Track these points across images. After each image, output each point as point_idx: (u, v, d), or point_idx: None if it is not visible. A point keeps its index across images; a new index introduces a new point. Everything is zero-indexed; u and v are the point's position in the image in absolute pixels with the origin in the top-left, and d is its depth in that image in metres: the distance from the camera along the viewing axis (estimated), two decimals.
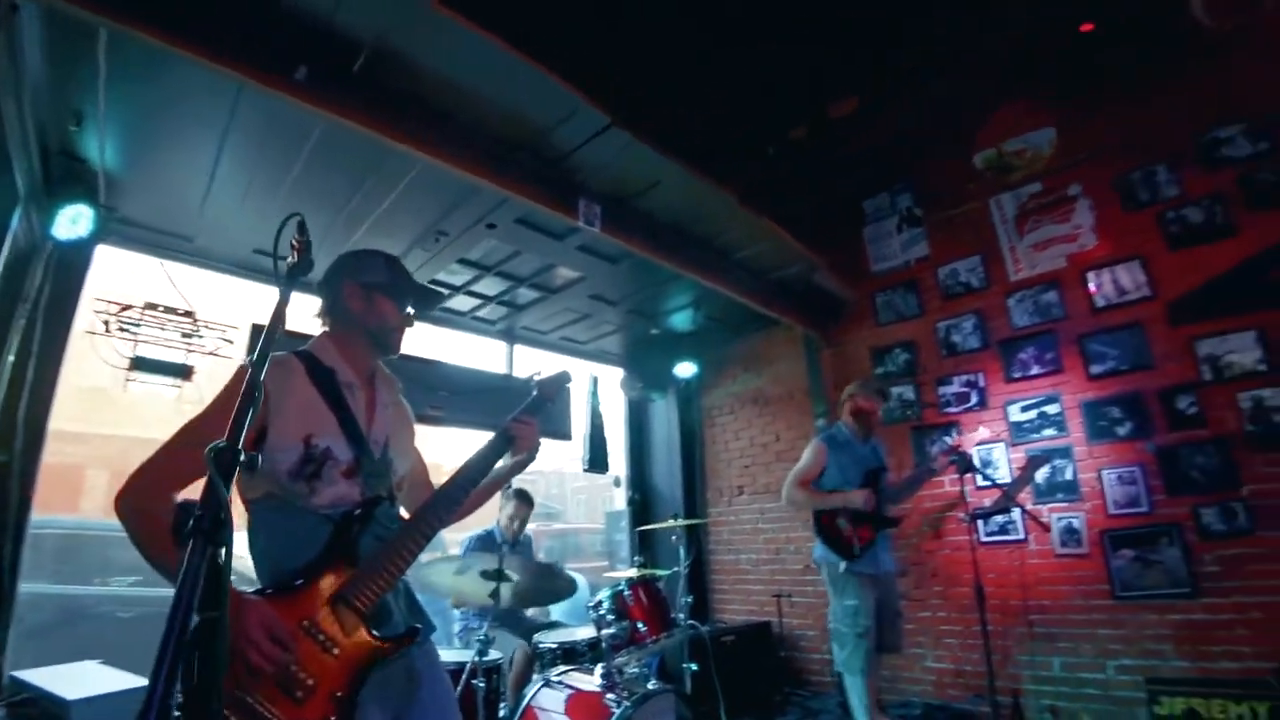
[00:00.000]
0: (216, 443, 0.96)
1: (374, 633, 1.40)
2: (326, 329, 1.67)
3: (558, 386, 1.94)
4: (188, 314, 3.49)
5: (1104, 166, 4.26)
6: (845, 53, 4.56)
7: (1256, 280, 3.65)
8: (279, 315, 1.18)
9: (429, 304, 1.79)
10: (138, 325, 3.33)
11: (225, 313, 3.69)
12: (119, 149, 2.89)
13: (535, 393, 1.87)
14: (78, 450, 12.61)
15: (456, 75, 2.65)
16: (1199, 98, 3.95)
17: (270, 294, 4.03)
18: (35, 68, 2.32)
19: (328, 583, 1.39)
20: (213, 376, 3.57)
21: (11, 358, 2.86)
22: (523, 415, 1.77)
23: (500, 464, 1.76)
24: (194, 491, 1.30)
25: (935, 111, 5.01)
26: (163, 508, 1.29)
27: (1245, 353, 3.64)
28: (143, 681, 2.33)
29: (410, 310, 1.69)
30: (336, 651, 1.34)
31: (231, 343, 3.64)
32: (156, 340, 3.39)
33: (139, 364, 3.28)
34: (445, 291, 4.11)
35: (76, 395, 12.12)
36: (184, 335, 3.47)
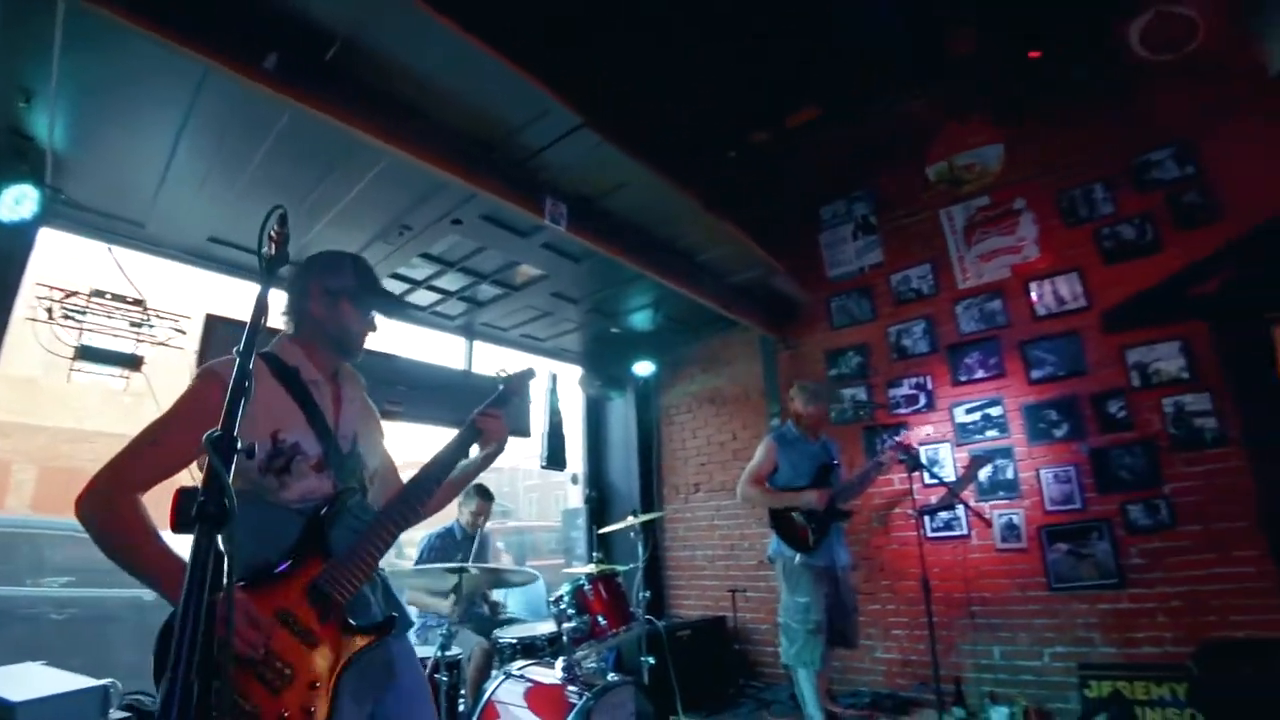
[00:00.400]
0: (211, 432, 0.96)
1: (351, 621, 1.42)
2: (289, 331, 1.67)
3: (523, 382, 2.00)
4: (137, 302, 3.36)
5: (1048, 184, 4.51)
6: (806, 64, 4.70)
7: (1180, 294, 3.92)
8: (261, 308, 1.17)
9: (393, 311, 1.82)
10: (83, 313, 3.19)
11: (178, 302, 3.58)
12: (69, 128, 2.77)
13: (502, 387, 1.92)
14: (3, 444, 11.90)
15: (430, 71, 2.64)
16: (1135, 122, 4.22)
17: (224, 283, 3.90)
18: None
19: (303, 574, 1.41)
20: (164, 367, 3.48)
21: None
22: (489, 409, 1.81)
23: (469, 458, 1.79)
24: (161, 491, 1.31)
25: (892, 124, 5.21)
26: (128, 509, 1.30)
27: (1170, 361, 3.91)
28: (89, 681, 2.27)
29: (373, 315, 1.70)
30: (313, 641, 1.36)
31: (184, 333, 3.52)
32: (103, 329, 3.26)
33: (85, 353, 3.14)
34: (409, 302, 4.08)
35: (4, 385, 11.45)
36: (133, 324, 3.34)
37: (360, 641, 1.42)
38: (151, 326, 3.39)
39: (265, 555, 1.40)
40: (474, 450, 1.81)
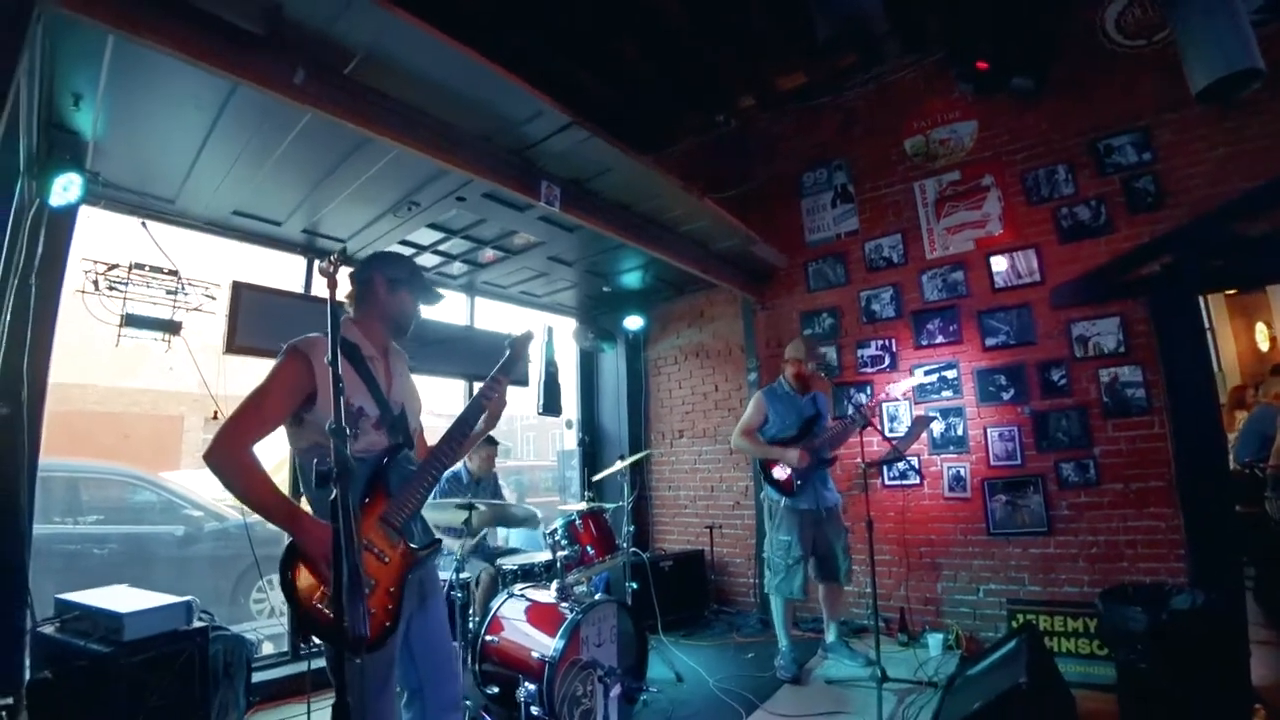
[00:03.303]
0: (330, 423, 1.43)
1: (411, 544, 1.91)
2: (350, 314, 2.10)
3: (524, 344, 2.40)
4: (172, 273, 3.71)
5: (1015, 163, 4.77)
6: (791, 34, 4.89)
7: (1125, 274, 4.27)
8: (335, 320, 1.53)
9: (434, 300, 2.23)
10: (125, 284, 3.55)
11: (207, 270, 3.92)
12: (110, 123, 3.05)
13: (509, 351, 2.33)
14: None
15: (439, 80, 2.90)
16: (1101, 107, 4.44)
17: (249, 252, 4.21)
18: (46, 57, 2.50)
19: (374, 509, 1.88)
20: (198, 330, 3.86)
21: (8, 317, 3.09)
22: (498, 374, 2.24)
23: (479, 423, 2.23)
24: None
25: (873, 96, 5.42)
26: (246, 460, 1.76)
27: (1108, 335, 4.30)
28: (174, 598, 2.76)
29: (424, 301, 2.16)
30: (387, 560, 1.85)
31: (214, 299, 3.89)
32: (143, 298, 3.62)
33: (130, 320, 3.52)
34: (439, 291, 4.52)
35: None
36: (168, 292, 3.70)
37: (415, 558, 1.91)
38: (185, 294, 3.75)
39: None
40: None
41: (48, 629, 2.62)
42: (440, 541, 2.05)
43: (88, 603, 2.62)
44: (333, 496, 1.34)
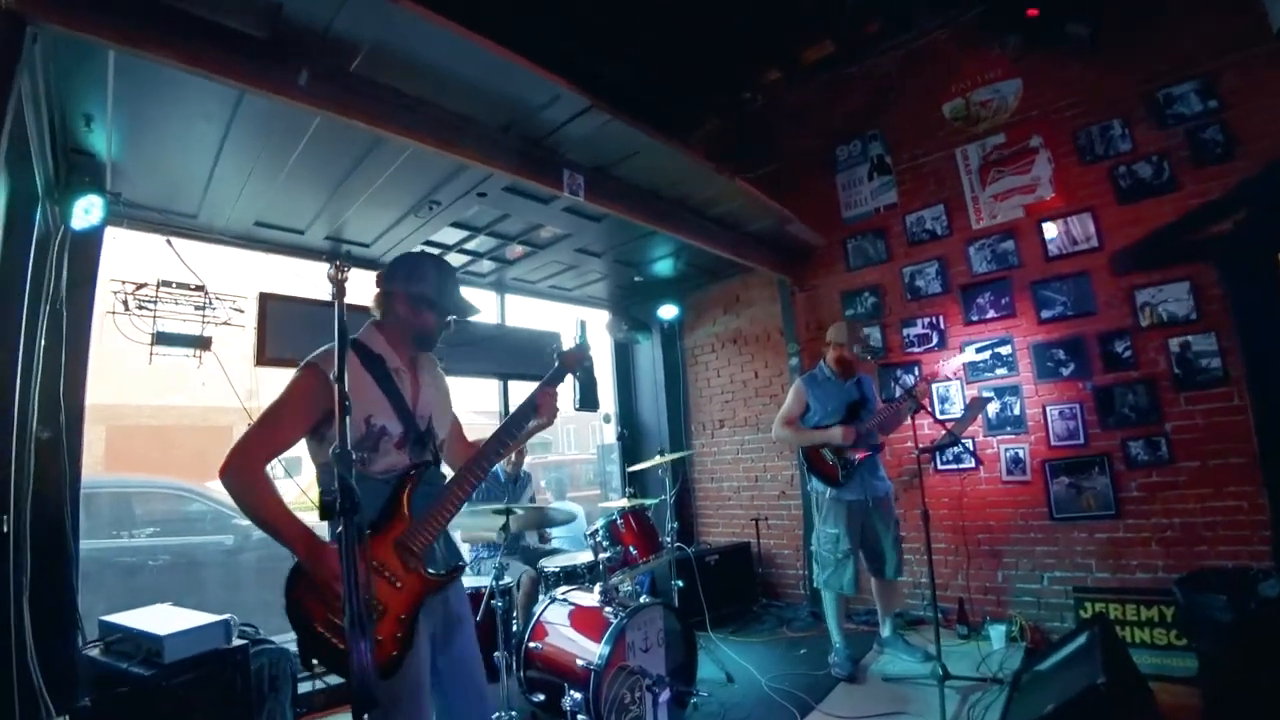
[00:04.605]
0: (334, 448, 1.32)
1: (429, 571, 1.80)
2: (376, 319, 1.98)
3: (579, 360, 2.16)
4: (199, 288, 3.70)
5: (1064, 120, 4.45)
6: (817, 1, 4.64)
7: (1192, 234, 3.95)
8: (343, 339, 1.44)
9: (466, 313, 2.06)
10: (154, 302, 3.55)
11: (233, 283, 3.91)
12: (123, 143, 3.03)
13: (557, 363, 2.14)
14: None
15: (448, 69, 2.79)
16: (1156, 54, 4.10)
17: (274, 262, 4.21)
18: (51, 80, 2.46)
19: (391, 532, 1.77)
20: (227, 344, 3.85)
21: (43, 342, 3.10)
22: (546, 386, 2.07)
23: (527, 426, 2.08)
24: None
25: (905, 60, 5.13)
26: (258, 480, 1.68)
27: (1177, 301, 3.99)
28: (213, 617, 2.75)
29: (450, 318, 2.00)
30: (400, 585, 1.74)
31: (242, 311, 3.88)
32: (173, 315, 3.62)
33: (161, 339, 3.52)
34: (474, 304, 4.50)
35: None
36: (197, 308, 3.70)
37: (432, 586, 1.80)
38: (213, 308, 3.74)
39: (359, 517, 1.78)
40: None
41: (93, 651, 2.63)
42: (463, 568, 1.95)
43: (129, 625, 2.62)
44: (339, 530, 1.24)
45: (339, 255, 1.53)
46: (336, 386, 1.37)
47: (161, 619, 2.69)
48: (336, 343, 1.43)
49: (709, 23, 4.88)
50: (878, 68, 5.26)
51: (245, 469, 1.67)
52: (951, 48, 4.90)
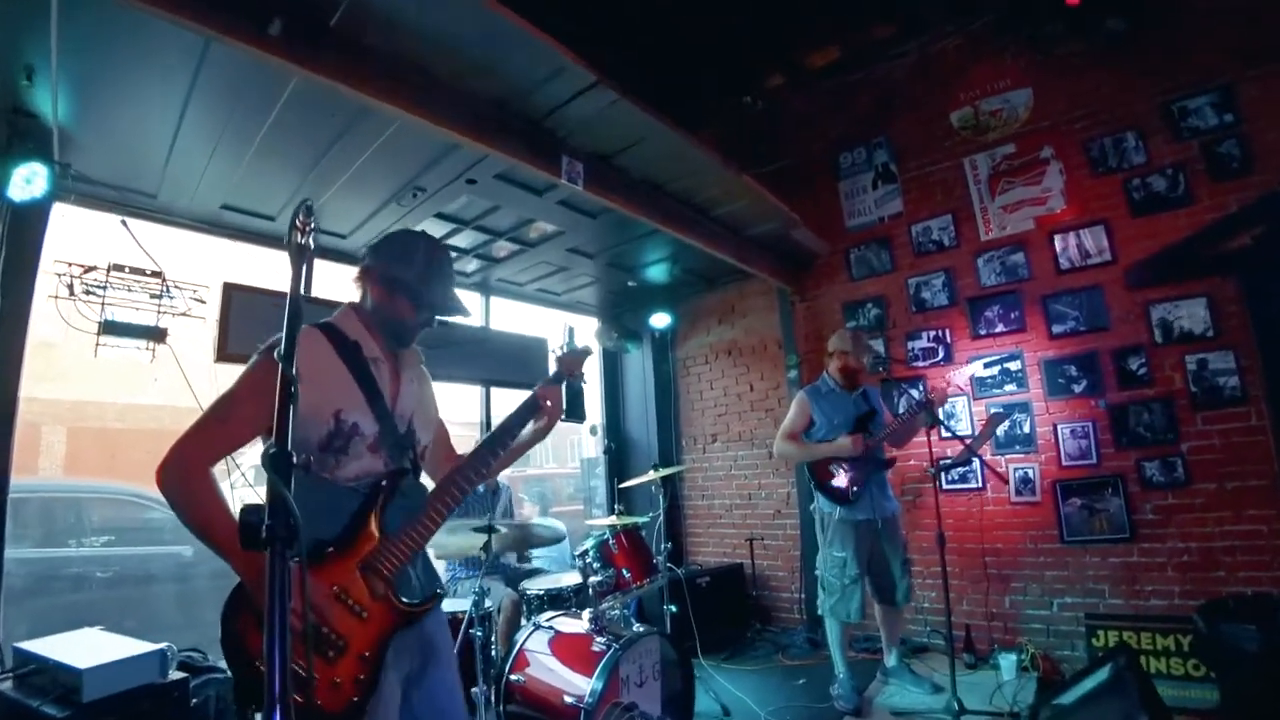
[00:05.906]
0: (268, 447, 0.95)
1: (401, 599, 1.48)
2: (354, 300, 1.69)
3: (577, 362, 1.99)
4: (156, 274, 3.35)
5: (1076, 131, 4.33)
6: (823, 5, 4.49)
7: (1210, 249, 3.82)
8: (296, 306, 1.12)
9: (452, 312, 1.75)
10: (104, 288, 3.20)
11: (195, 272, 3.57)
12: (72, 103, 2.71)
13: (556, 368, 1.93)
14: (30, 407, 12.02)
15: (439, 29, 2.52)
16: (1171, 66, 4.00)
17: (240, 250, 3.87)
18: None
19: (356, 551, 1.46)
20: (185, 338, 3.50)
21: None
22: (548, 385, 1.84)
23: (524, 432, 1.81)
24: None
25: (914, 67, 4.99)
26: (201, 483, 1.38)
27: (1194, 317, 3.85)
28: (147, 646, 2.38)
29: (431, 314, 1.68)
30: (365, 615, 1.42)
31: (204, 302, 3.53)
32: (125, 302, 3.27)
33: (109, 328, 3.16)
34: (464, 305, 4.21)
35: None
36: (153, 296, 3.35)
37: (404, 617, 1.49)
38: (171, 298, 3.39)
39: (320, 531, 1.44)
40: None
41: (4, 685, 2.24)
42: (443, 596, 1.64)
43: (46, 654, 2.22)
44: (268, 557, 0.88)
45: (305, 204, 1.19)
46: (281, 366, 1.04)
47: (85, 648, 2.30)
48: (287, 307, 1.10)
49: (709, 23, 4.70)
50: (885, 74, 5.12)
51: (183, 469, 1.37)
52: (962, 55, 4.77)
